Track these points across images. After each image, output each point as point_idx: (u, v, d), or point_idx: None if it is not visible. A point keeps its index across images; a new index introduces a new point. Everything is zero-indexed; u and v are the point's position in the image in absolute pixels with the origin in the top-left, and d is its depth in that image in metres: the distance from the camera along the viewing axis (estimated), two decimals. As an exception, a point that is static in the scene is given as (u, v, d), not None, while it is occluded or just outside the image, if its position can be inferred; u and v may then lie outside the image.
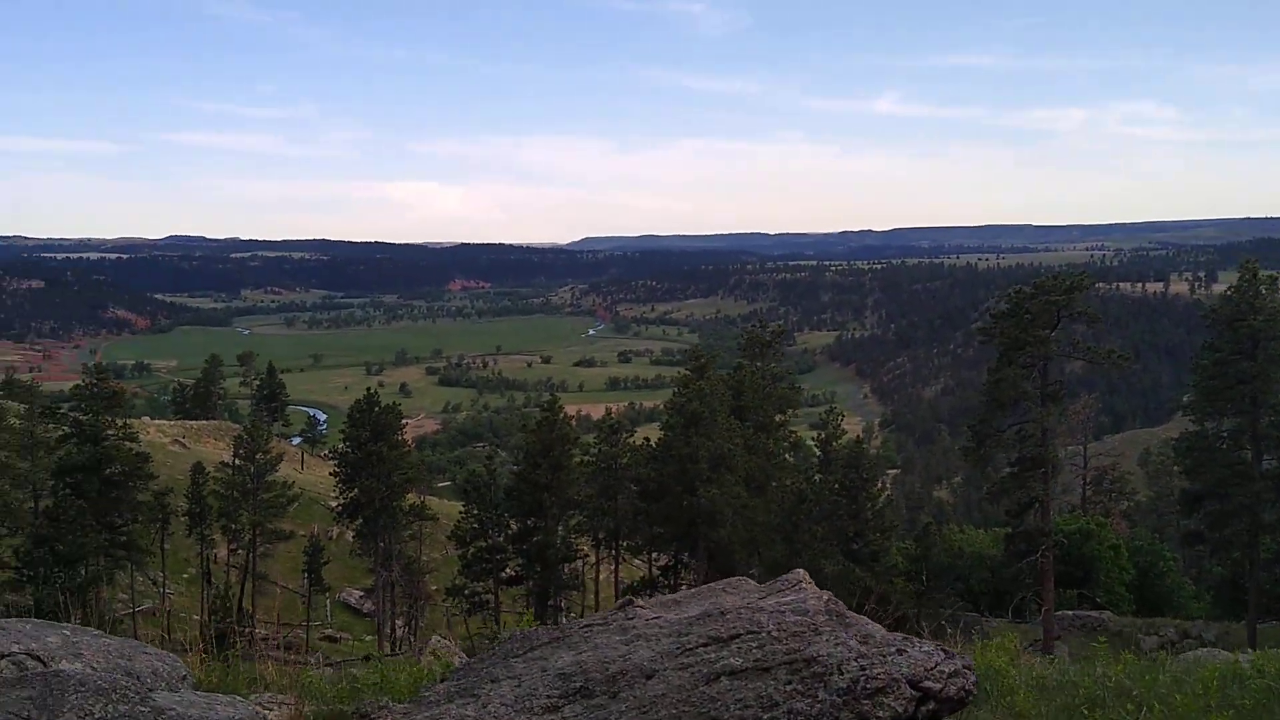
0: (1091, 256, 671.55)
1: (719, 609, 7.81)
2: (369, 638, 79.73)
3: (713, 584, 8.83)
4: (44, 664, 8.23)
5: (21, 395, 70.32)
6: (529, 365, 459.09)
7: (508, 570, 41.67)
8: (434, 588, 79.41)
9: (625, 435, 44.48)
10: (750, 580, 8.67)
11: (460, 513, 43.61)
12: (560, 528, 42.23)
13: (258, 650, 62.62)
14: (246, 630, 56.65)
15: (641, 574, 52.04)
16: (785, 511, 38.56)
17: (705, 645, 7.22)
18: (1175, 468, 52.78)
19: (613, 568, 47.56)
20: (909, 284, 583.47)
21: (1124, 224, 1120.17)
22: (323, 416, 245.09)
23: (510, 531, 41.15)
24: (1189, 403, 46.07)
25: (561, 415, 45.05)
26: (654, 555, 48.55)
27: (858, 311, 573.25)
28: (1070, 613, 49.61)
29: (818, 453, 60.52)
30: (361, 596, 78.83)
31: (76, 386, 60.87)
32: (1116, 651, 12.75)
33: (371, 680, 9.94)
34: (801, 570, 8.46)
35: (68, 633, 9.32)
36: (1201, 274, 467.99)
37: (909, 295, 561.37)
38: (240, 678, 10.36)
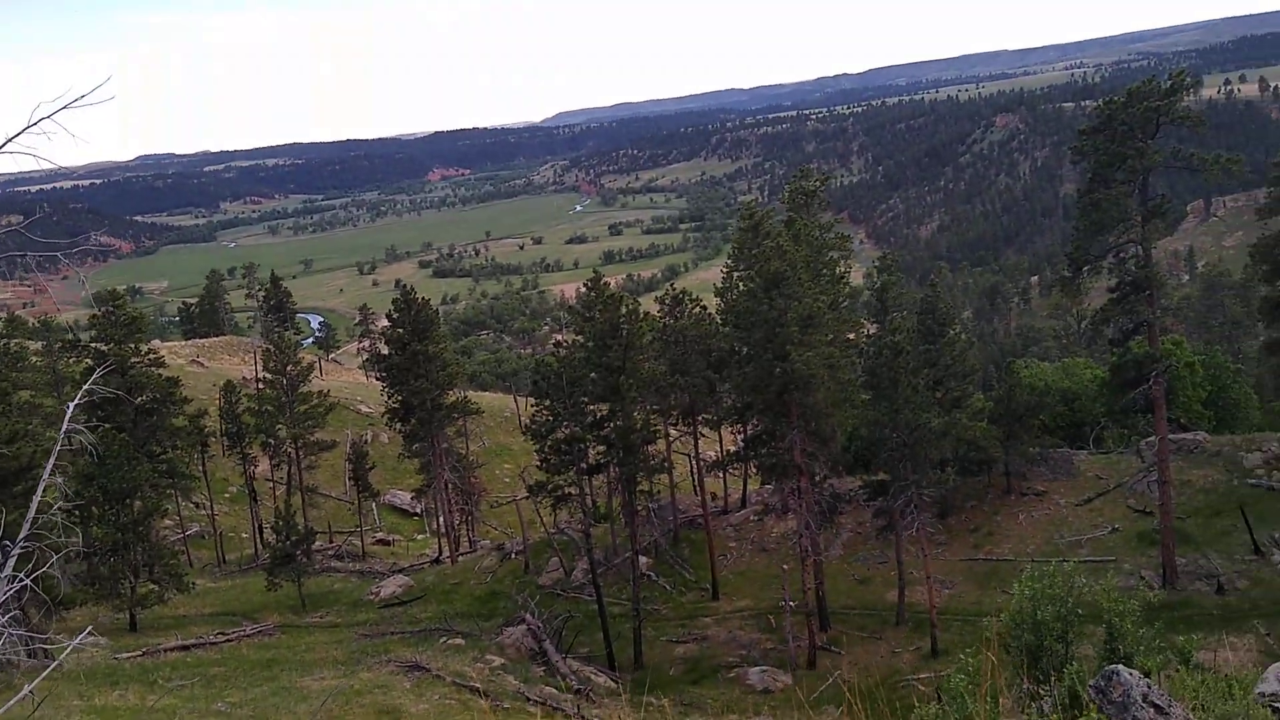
0: (1072, 76, 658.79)
1: None
2: (420, 537, 78.83)
3: None
4: None
5: (36, 332, 67.75)
6: (521, 248, 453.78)
7: (588, 459, 39.75)
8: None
9: (690, 305, 42.04)
10: None
11: (533, 406, 41.41)
12: (638, 410, 40.10)
13: (319, 564, 60.81)
14: (305, 548, 55.27)
15: (715, 449, 50.26)
16: (881, 366, 36.33)
17: None
18: (1258, 274, 50.16)
19: (691, 445, 45.71)
20: (892, 124, 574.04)
21: (1101, 39, 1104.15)
22: (322, 320, 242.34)
23: (586, 419, 39.04)
24: (1270, 202, 43.17)
25: (621, 294, 42.50)
26: (737, 428, 46.64)
27: (843, 158, 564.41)
28: (1163, 437, 47.80)
29: (875, 302, 58.39)
30: (412, 498, 77.60)
31: (95, 316, 58.11)
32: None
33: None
34: None
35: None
36: (1186, 80, 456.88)
37: (893, 135, 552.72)
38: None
